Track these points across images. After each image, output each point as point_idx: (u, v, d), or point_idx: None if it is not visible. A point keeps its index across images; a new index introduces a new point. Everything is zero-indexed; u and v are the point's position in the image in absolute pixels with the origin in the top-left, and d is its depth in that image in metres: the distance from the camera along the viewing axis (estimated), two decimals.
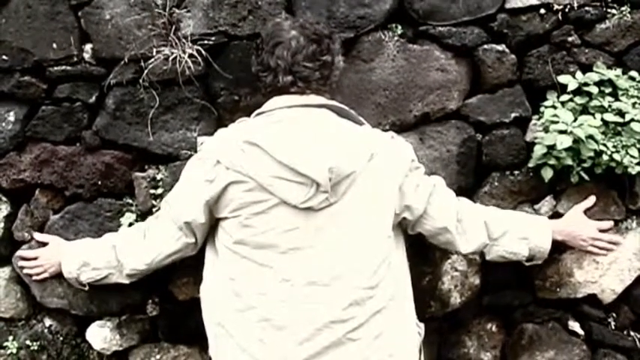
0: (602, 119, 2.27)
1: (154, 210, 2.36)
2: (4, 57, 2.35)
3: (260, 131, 1.88)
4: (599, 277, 2.42)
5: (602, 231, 2.33)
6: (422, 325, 2.13)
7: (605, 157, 2.23)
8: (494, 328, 2.48)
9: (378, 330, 1.87)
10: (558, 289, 2.42)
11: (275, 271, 1.86)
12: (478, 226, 2.11)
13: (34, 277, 2.36)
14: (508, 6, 2.35)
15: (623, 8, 2.38)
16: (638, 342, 2.46)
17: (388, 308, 1.90)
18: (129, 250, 2.13)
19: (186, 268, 2.29)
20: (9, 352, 2.49)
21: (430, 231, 2.06)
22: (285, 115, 1.92)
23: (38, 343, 2.48)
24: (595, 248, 2.33)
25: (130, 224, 2.36)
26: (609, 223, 2.35)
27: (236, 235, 1.90)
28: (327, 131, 1.89)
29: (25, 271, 2.37)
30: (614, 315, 2.47)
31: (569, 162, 2.25)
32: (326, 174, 1.80)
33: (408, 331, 1.99)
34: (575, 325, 2.47)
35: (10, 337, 2.50)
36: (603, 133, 2.26)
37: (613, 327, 2.46)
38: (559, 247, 2.40)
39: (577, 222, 2.30)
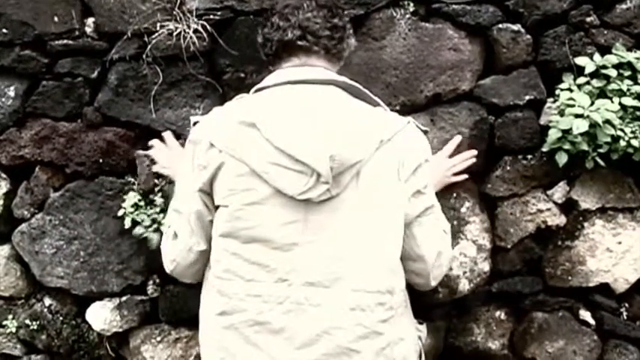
0: (620, 103, 2.20)
1: (155, 189, 2.32)
2: (4, 30, 2.30)
3: (258, 110, 1.71)
4: (612, 266, 2.36)
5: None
6: (423, 328, 2.02)
7: (622, 143, 2.16)
8: (502, 316, 2.43)
9: (383, 342, 1.70)
10: (570, 278, 2.37)
11: (270, 269, 1.68)
12: (449, 260, 1.95)
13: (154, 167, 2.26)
14: None
15: None
16: None
17: (396, 316, 1.74)
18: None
19: None
20: (8, 331, 2.47)
21: (407, 251, 1.81)
22: (287, 92, 1.75)
23: (38, 322, 2.45)
24: (457, 176, 2.21)
25: (134, 204, 2.32)
26: (456, 139, 2.25)
27: (224, 227, 1.71)
28: (333, 113, 1.71)
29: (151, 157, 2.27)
30: (626, 305, 2.41)
31: (585, 147, 2.18)
32: (327, 163, 1.61)
33: (410, 340, 1.83)
34: (586, 315, 2.41)
35: (10, 316, 2.48)
36: (621, 117, 2.19)
37: (625, 317, 2.40)
38: (571, 235, 2.35)
39: (435, 167, 2.10)
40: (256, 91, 1.83)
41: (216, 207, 1.75)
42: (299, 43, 1.80)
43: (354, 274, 1.68)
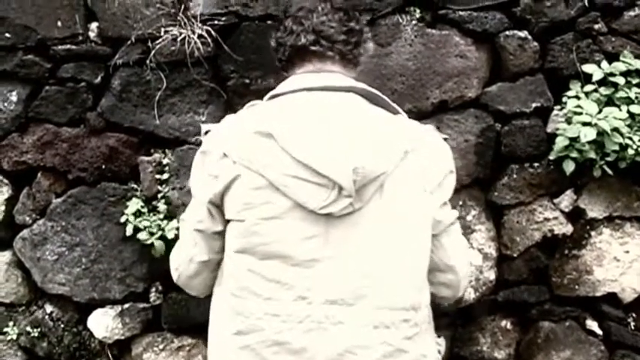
0: (629, 111, 2.18)
1: (159, 196, 2.30)
2: (6, 35, 2.28)
3: (274, 119, 1.60)
4: (620, 276, 2.34)
5: None
6: (442, 341, 1.95)
7: (630, 151, 2.15)
8: (508, 326, 2.41)
9: (407, 359, 1.61)
10: (577, 287, 2.35)
11: (288, 287, 1.58)
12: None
13: None
14: None
15: None
16: None
17: (420, 333, 1.65)
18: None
19: None
20: (9, 338, 2.45)
21: (436, 264, 1.73)
22: (305, 99, 1.64)
23: (39, 329, 2.43)
24: None
25: (137, 211, 2.30)
26: None
27: (239, 243, 1.61)
28: (354, 122, 1.60)
29: None
30: (633, 315, 2.38)
31: (593, 155, 2.16)
32: (350, 176, 1.51)
33: (432, 356, 1.73)
34: (593, 325, 2.39)
35: (11, 323, 2.46)
36: (629, 125, 2.17)
37: (632, 327, 2.38)
38: (578, 244, 2.33)
39: None
40: (270, 98, 1.73)
41: (227, 220, 1.66)
42: (312, 48, 1.70)
43: (379, 291, 1.59)
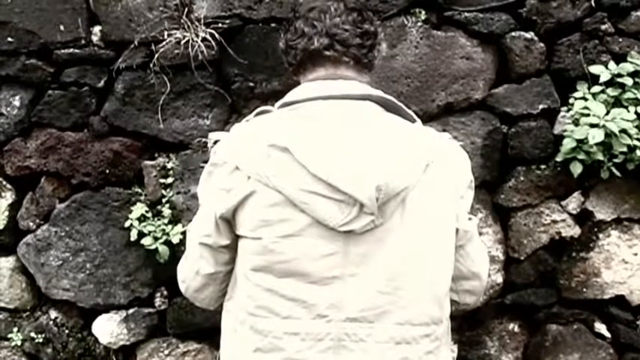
0: (636, 112, 2.16)
1: (163, 200, 2.28)
2: (9, 39, 2.27)
3: (288, 131, 1.54)
4: (628, 278, 2.32)
5: None
6: (455, 347, 1.94)
7: (638, 153, 2.13)
8: (516, 329, 2.39)
9: None
10: (584, 290, 2.33)
11: (307, 305, 1.54)
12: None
13: None
14: None
15: None
16: None
17: (440, 346, 1.60)
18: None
19: None
20: (13, 344, 2.44)
21: (462, 272, 1.69)
22: (320, 109, 1.57)
23: (43, 335, 2.42)
24: None
25: (142, 215, 2.29)
26: None
27: (256, 262, 1.55)
28: (372, 133, 1.54)
29: None
30: None
31: (600, 157, 2.15)
32: (372, 193, 1.45)
33: None
34: (601, 327, 2.37)
35: (15, 329, 2.44)
36: (637, 127, 2.15)
37: None
38: (586, 246, 2.32)
39: None
40: (282, 105, 1.64)
41: (236, 235, 1.61)
42: (326, 53, 1.61)
43: (400, 307, 1.54)
